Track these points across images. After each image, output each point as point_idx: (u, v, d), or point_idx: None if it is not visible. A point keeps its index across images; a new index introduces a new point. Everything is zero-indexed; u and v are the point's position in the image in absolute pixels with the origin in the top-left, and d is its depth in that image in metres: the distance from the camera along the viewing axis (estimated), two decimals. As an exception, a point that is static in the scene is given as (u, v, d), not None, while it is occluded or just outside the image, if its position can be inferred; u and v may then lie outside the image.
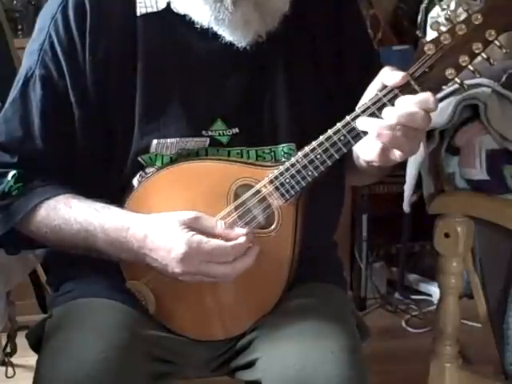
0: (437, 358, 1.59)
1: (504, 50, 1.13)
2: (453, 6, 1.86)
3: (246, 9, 1.18)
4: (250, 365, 1.21)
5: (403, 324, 2.64)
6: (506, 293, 1.55)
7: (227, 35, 1.21)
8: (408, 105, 1.09)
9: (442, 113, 1.46)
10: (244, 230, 1.15)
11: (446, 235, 1.53)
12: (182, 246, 1.11)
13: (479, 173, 1.47)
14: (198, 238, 1.12)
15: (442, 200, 1.54)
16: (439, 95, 1.48)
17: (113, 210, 1.19)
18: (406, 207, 1.58)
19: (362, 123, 1.12)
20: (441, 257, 1.55)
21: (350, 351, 1.16)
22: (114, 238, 1.17)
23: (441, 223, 1.54)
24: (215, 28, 1.21)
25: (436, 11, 2.28)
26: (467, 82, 1.26)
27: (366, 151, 1.14)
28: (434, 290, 2.71)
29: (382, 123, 1.10)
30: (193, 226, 1.13)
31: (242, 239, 1.14)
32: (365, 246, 2.72)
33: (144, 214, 1.18)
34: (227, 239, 1.13)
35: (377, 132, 1.09)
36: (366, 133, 1.13)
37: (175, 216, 1.15)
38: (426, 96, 1.10)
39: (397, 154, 1.11)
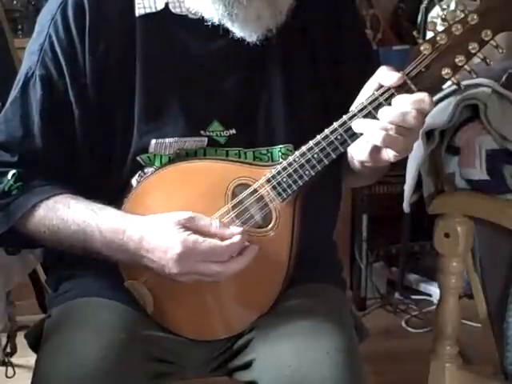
0: (437, 358, 1.59)
1: (500, 50, 1.13)
2: (453, 6, 1.87)
3: (260, 3, 1.19)
4: (247, 365, 1.21)
5: (403, 324, 2.64)
6: (506, 293, 1.55)
7: (238, 31, 1.21)
8: (402, 104, 1.10)
9: (442, 113, 1.46)
10: (239, 229, 1.16)
11: (446, 235, 1.52)
12: (178, 246, 1.12)
13: (479, 173, 1.47)
14: (194, 237, 1.12)
15: (442, 200, 1.54)
16: (439, 95, 1.48)
17: (110, 211, 1.19)
18: (405, 207, 1.58)
19: (357, 125, 1.13)
20: (441, 257, 1.55)
21: (346, 352, 1.15)
22: (110, 240, 1.17)
23: (441, 223, 1.54)
24: (227, 24, 1.21)
25: (436, 11, 2.29)
26: (467, 82, 1.26)
27: (359, 151, 1.15)
28: (434, 290, 2.71)
29: (376, 124, 1.10)
30: (188, 225, 1.14)
31: (237, 238, 1.14)
32: (365, 246, 2.72)
33: (140, 216, 1.18)
34: (222, 238, 1.14)
35: (371, 133, 1.10)
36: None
37: (171, 216, 1.15)
38: (422, 96, 1.11)
39: (390, 154, 1.12)
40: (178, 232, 1.13)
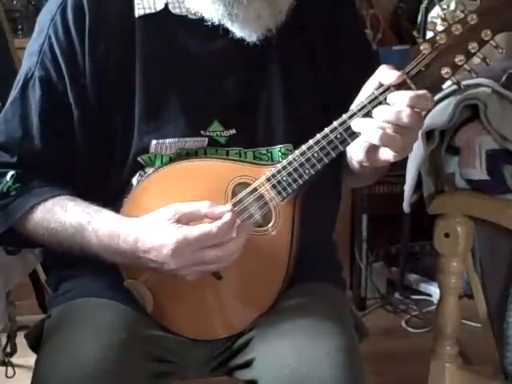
0: (437, 358, 1.59)
1: (500, 51, 1.13)
2: (453, 5, 1.86)
3: (260, 3, 1.19)
4: (248, 364, 1.21)
5: (403, 324, 2.64)
6: (506, 293, 1.55)
7: (238, 31, 1.21)
8: (397, 103, 1.10)
9: (442, 113, 1.46)
10: (228, 207, 1.15)
11: (446, 235, 1.52)
12: (170, 242, 1.12)
13: (479, 173, 1.47)
14: (184, 229, 1.12)
15: (442, 200, 1.54)
16: (439, 95, 1.48)
17: (106, 214, 1.19)
18: (406, 207, 1.58)
19: (356, 124, 1.13)
20: (441, 257, 1.55)
21: (346, 352, 1.15)
22: (107, 244, 1.17)
23: (441, 223, 1.54)
24: (227, 24, 1.21)
25: (436, 11, 2.29)
26: (467, 82, 1.26)
27: (356, 151, 1.15)
28: (434, 290, 2.72)
29: (373, 123, 1.10)
30: (178, 216, 1.14)
31: (227, 217, 1.13)
32: (365, 246, 2.72)
33: (134, 218, 1.18)
34: (214, 218, 1.13)
35: (368, 131, 1.10)
36: None
37: (160, 213, 1.15)
38: (418, 93, 1.10)
39: (390, 154, 1.11)
40: (169, 227, 1.13)
